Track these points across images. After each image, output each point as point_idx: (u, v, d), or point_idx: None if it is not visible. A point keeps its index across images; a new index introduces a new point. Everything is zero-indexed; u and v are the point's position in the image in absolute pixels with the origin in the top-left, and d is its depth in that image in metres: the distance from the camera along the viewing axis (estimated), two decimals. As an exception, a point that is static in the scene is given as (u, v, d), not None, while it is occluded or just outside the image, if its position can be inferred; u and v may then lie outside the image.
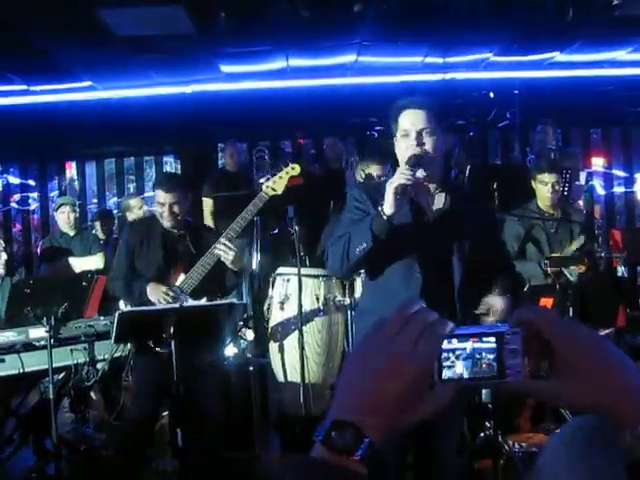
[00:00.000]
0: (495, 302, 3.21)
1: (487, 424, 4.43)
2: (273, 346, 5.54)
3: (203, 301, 4.53)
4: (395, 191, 2.97)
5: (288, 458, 0.99)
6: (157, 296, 4.47)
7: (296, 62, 8.66)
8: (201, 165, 9.37)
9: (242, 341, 6.08)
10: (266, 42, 7.84)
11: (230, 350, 5.78)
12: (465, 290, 3.23)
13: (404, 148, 3.16)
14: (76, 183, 10.17)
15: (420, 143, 3.13)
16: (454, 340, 0.99)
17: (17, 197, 10.21)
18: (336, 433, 0.93)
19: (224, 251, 4.44)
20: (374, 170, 5.55)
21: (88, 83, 8.98)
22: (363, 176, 5.58)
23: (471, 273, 3.24)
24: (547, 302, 4.59)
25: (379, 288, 3.30)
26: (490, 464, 4.46)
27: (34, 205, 10.26)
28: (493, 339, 0.98)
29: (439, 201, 3.29)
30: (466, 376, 0.99)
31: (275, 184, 4.74)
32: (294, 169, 4.80)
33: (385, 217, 3.00)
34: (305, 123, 9.29)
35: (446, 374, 0.99)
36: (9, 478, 5.16)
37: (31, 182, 10.23)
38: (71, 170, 10.29)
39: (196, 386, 4.48)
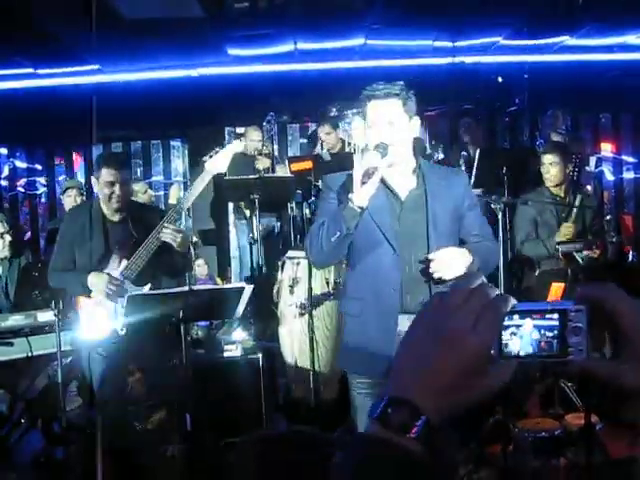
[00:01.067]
0: (444, 250, 3.17)
1: (496, 409, 4.41)
2: (282, 330, 5.53)
3: (147, 288, 4.41)
4: (361, 178, 2.96)
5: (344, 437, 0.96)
6: (99, 286, 4.35)
7: (304, 45, 8.62)
8: (208, 149, 9.33)
9: (250, 325, 6.07)
10: (274, 25, 7.80)
11: (238, 334, 5.78)
12: None
13: (372, 138, 3.18)
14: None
15: (386, 134, 3.13)
16: (515, 316, 0.96)
17: (24, 181, 10.20)
18: (392, 410, 0.91)
19: (171, 236, 4.30)
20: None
21: (95, 66, 8.95)
22: None
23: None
24: (558, 287, 4.56)
25: (360, 273, 3.32)
26: (499, 449, 4.46)
27: (41, 189, 10.25)
28: (556, 316, 0.96)
29: (411, 181, 3.31)
30: (527, 353, 0.96)
31: (218, 161, 4.56)
32: (237, 145, 4.67)
33: (355, 205, 3.00)
34: (313, 106, 9.25)
35: (506, 351, 0.96)
36: (17, 462, 5.17)
37: (38, 166, 10.22)
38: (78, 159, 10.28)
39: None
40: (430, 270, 3.14)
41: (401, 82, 3.24)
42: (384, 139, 3.11)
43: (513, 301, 0.96)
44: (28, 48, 8.01)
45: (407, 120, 3.21)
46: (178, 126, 9.87)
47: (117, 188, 4.40)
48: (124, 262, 4.42)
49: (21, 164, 10.22)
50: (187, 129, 9.88)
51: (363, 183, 2.96)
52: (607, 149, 10.09)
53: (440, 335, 0.93)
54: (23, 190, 10.21)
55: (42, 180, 10.20)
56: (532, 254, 5.70)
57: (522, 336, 0.96)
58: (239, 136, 9.04)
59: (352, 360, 3.41)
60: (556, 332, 0.95)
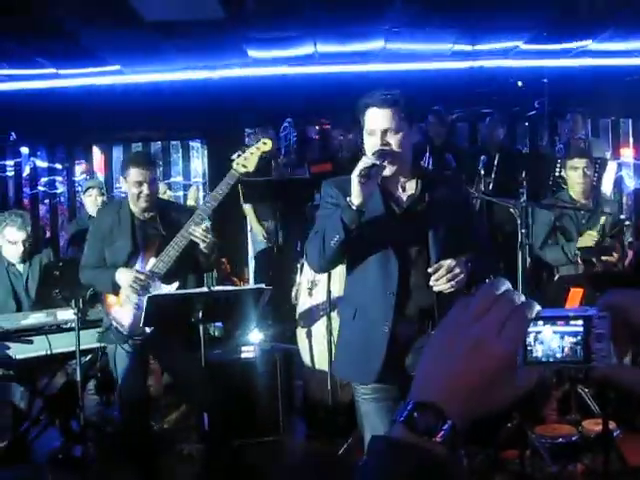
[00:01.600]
0: (445, 261, 3.16)
1: (513, 415, 4.41)
2: (301, 332, 5.53)
3: (175, 285, 4.43)
4: (359, 179, 2.98)
5: (372, 440, 0.96)
6: (127, 281, 4.38)
7: (324, 48, 8.63)
8: (228, 150, 9.37)
9: (268, 327, 6.09)
10: (294, 28, 7.82)
11: (255, 336, 5.80)
12: None
13: (370, 146, 3.20)
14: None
15: (385, 143, 3.16)
16: (540, 322, 0.97)
17: (44, 180, 10.28)
18: (418, 414, 0.91)
19: (202, 236, 4.32)
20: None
21: (116, 67, 9.01)
22: None
23: (448, 257, 3.22)
24: (577, 292, 4.55)
25: (358, 278, 3.33)
26: (516, 454, 4.45)
27: (61, 188, 10.32)
28: (580, 322, 0.96)
29: (410, 187, 3.32)
30: (551, 360, 0.97)
31: (246, 160, 4.54)
32: (266, 144, 4.65)
33: (354, 207, 3.02)
34: (332, 109, 9.26)
35: (531, 358, 0.97)
36: (36, 459, 5.21)
37: (58, 166, 10.29)
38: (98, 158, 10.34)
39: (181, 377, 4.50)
40: (431, 283, 3.14)
41: (398, 90, 3.25)
42: (383, 146, 3.14)
43: (538, 307, 0.97)
44: (49, 49, 8.08)
45: (406, 127, 3.23)
46: (198, 127, 9.90)
47: (145, 187, 4.43)
48: (152, 260, 4.46)
49: (42, 163, 10.29)
50: (207, 130, 9.90)
51: (361, 183, 2.98)
52: (627, 154, 10.03)
53: (466, 341, 0.93)
54: (43, 189, 10.28)
55: (62, 179, 10.27)
56: (550, 259, 5.68)
57: (546, 342, 0.97)
58: (258, 138, 9.08)
59: (348, 367, 3.43)
60: (580, 338, 0.96)
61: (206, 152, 10.07)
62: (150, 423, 5.09)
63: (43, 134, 9.86)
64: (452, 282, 3.11)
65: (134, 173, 4.44)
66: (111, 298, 4.51)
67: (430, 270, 3.13)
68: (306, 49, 8.65)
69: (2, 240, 5.47)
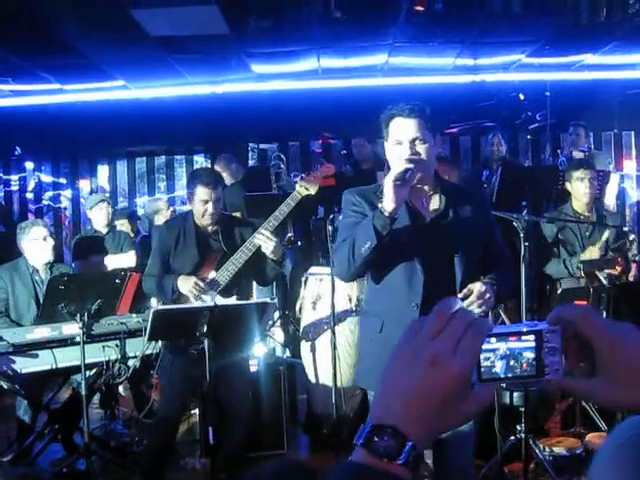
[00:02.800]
0: (475, 286, 3.18)
1: (517, 427, 4.41)
2: (305, 346, 5.54)
3: (233, 299, 4.53)
4: (394, 182, 2.98)
5: (334, 464, 0.96)
6: (187, 287, 4.48)
7: (327, 62, 8.67)
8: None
9: (272, 341, 6.10)
10: (298, 42, 7.86)
11: (260, 350, 5.81)
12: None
13: (397, 156, 3.19)
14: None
15: (414, 152, 3.16)
16: (493, 339, 0.99)
17: (49, 195, 10.32)
18: (378, 437, 0.91)
19: (264, 240, 4.44)
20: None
21: (121, 82, 9.06)
22: None
23: (472, 271, 3.25)
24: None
25: (382, 290, 3.33)
26: (520, 467, 4.44)
27: (65, 203, 10.37)
28: (532, 337, 0.99)
29: (435, 202, 3.32)
30: (505, 375, 0.99)
31: (309, 184, 4.71)
32: (329, 168, 4.79)
33: (386, 213, 3.01)
34: (336, 124, 9.31)
35: (486, 374, 0.99)
36: (40, 472, 5.21)
37: (62, 180, 10.34)
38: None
39: (225, 384, 4.52)
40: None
41: (419, 102, 3.27)
42: (411, 155, 3.13)
43: (490, 325, 0.98)
44: (54, 64, 8.13)
45: (431, 137, 3.24)
46: (202, 141, 9.96)
47: (210, 205, 4.55)
48: (212, 273, 4.56)
49: (46, 178, 10.34)
50: (211, 144, 9.95)
51: (396, 186, 2.98)
52: (629, 166, 10.05)
53: (422, 360, 0.94)
54: (48, 203, 10.32)
55: (67, 194, 10.31)
56: (553, 272, 5.68)
57: (499, 359, 0.99)
58: (263, 152, 9.15)
59: (373, 377, 3.43)
60: (532, 353, 0.98)
61: (210, 166, 10.09)
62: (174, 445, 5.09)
63: (48, 149, 9.93)
64: (483, 307, 3.14)
65: (201, 192, 4.57)
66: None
67: (460, 296, 3.13)
68: (309, 64, 8.69)
69: (27, 244, 5.52)
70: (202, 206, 4.58)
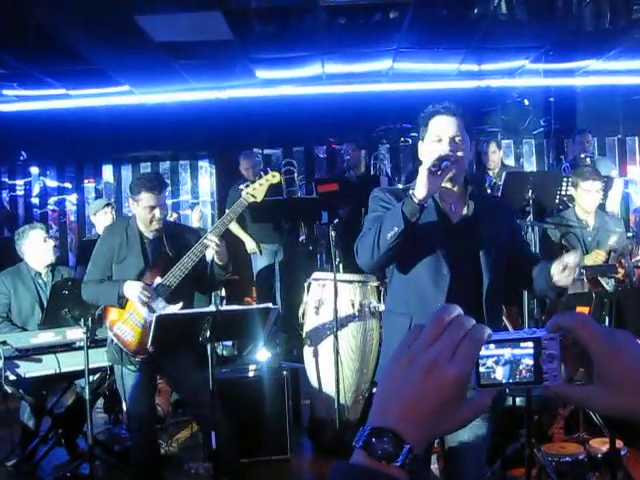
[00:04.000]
0: (569, 258, 3.15)
1: (520, 433, 4.40)
2: (307, 351, 5.54)
3: (178, 306, 4.46)
4: (430, 169, 2.96)
5: (331, 465, 0.98)
6: (135, 292, 4.39)
7: (332, 68, 8.70)
8: (236, 170, 9.45)
9: (275, 346, 6.10)
10: (302, 48, 7.88)
11: (263, 355, 5.82)
12: (493, 291, 3.23)
13: (437, 151, 3.14)
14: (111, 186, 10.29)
15: (453, 149, 3.14)
16: (492, 346, 1.00)
17: (54, 199, 10.35)
18: (376, 440, 0.93)
19: (212, 244, 4.38)
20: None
21: (126, 87, 9.10)
22: None
23: (499, 276, 3.24)
24: (583, 311, 4.55)
25: (407, 289, 3.30)
26: (523, 473, 4.44)
27: (70, 207, 10.39)
28: (531, 344, 1.00)
29: (462, 207, 3.31)
30: (504, 381, 1.00)
31: (255, 191, 4.69)
32: (274, 177, 4.77)
33: (417, 200, 2.98)
34: (340, 129, 9.32)
35: (484, 380, 1.00)
36: (44, 477, 5.23)
37: (68, 185, 10.37)
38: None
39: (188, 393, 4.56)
40: (560, 275, 3.14)
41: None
42: (450, 152, 3.11)
43: (489, 331, 0.99)
44: (59, 70, 8.17)
45: (468, 141, 3.24)
46: (206, 147, 9.98)
47: (157, 211, 4.51)
48: (157, 279, 4.49)
49: (51, 183, 10.38)
50: (215, 150, 9.97)
51: (431, 172, 2.96)
52: (633, 172, 10.05)
53: (419, 366, 0.96)
54: (53, 208, 10.35)
55: (72, 199, 10.34)
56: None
57: (498, 364, 1.00)
58: (267, 157, 9.16)
59: None
60: (530, 360, 0.99)
61: (214, 171, 10.14)
62: (158, 442, 5.10)
63: (53, 154, 9.95)
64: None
65: (146, 198, 4.50)
66: (113, 314, 4.54)
67: (561, 267, 3.12)
68: (314, 69, 8.71)
69: (27, 248, 5.53)
70: (149, 212, 4.50)
